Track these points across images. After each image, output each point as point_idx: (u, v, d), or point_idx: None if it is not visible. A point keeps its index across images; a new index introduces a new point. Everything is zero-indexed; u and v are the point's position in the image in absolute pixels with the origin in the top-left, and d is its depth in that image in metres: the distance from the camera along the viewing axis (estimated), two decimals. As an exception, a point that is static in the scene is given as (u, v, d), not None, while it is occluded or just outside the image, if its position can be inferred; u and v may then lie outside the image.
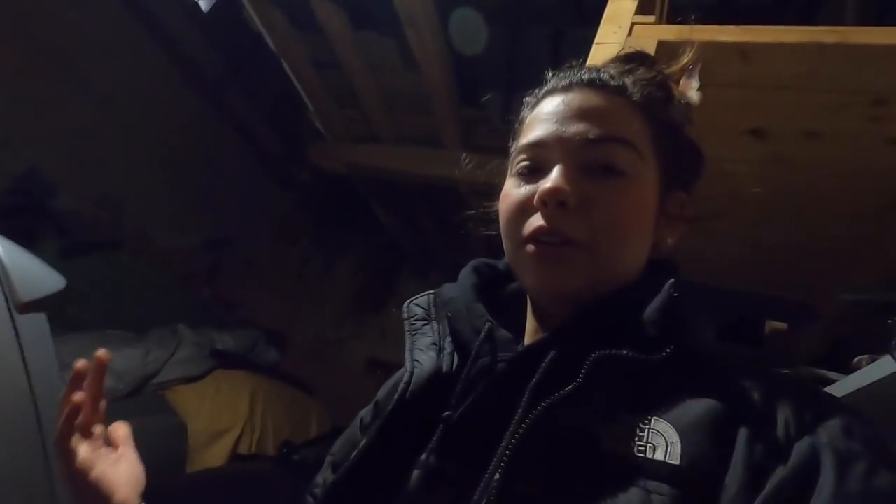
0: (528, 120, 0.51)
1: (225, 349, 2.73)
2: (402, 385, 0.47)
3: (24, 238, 2.57)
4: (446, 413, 0.44)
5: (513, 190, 0.48)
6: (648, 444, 0.37)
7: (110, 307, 2.71)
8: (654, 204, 0.47)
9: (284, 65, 2.63)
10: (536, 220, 0.44)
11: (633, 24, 0.98)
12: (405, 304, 0.55)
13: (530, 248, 0.45)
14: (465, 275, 0.55)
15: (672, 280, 0.45)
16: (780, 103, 0.99)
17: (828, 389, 0.94)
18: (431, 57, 2.23)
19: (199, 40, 3.40)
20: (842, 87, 0.92)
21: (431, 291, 0.56)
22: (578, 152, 0.45)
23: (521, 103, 0.55)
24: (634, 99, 0.48)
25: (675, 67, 0.55)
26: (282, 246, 4.17)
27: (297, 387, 3.20)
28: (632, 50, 0.56)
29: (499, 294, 0.54)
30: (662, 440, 0.37)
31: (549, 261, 0.44)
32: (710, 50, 0.93)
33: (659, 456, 0.36)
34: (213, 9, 3.36)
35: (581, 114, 0.46)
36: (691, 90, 0.54)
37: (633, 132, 0.46)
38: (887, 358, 0.76)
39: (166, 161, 3.39)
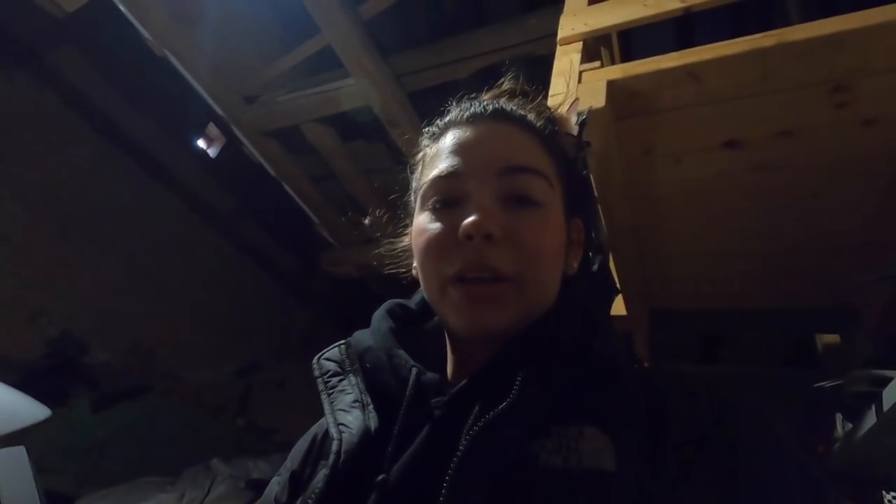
0: (430, 154, 0.50)
1: (262, 478, 2.61)
2: (332, 457, 0.42)
3: (57, 398, 2.62)
4: (381, 477, 0.40)
5: (428, 225, 0.45)
6: (584, 452, 0.37)
7: (143, 454, 2.67)
8: (563, 231, 0.47)
9: (286, 187, 2.81)
10: (463, 256, 0.42)
11: (580, 73, 1.03)
12: (315, 361, 0.51)
13: (458, 288, 0.43)
14: (380, 319, 0.51)
15: (587, 298, 0.47)
16: (744, 112, 1.01)
17: (886, 390, 0.85)
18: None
19: (211, 183, 3.69)
20: (797, 84, 0.94)
21: (342, 342, 0.52)
22: (495, 182, 0.44)
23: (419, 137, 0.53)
24: (538, 130, 0.49)
25: (555, 101, 0.59)
26: (310, 361, 4.14)
27: None
28: (513, 87, 0.55)
29: (414, 334, 0.51)
30: (594, 447, 0.37)
31: (480, 301, 0.42)
32: (658, 78, 0.98)
33: (592, 463, 0.36)
34: (220, 153, 3.70)
35: (493, 144, 0.46)
36: (573, 125, 0.55)
37: (543, 163, 0.47)
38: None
39: (191, 300, 3.51)
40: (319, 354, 0.51)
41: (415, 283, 0.52)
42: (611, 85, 0.98)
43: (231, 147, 3.11)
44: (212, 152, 3.83)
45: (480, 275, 0.42)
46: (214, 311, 3.64)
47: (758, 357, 2.45)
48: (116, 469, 2.50)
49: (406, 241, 0.54)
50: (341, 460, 0.42)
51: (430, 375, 0.45)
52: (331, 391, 0.48)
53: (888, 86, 0.89)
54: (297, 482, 0.48)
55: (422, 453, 0.40)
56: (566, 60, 1.09)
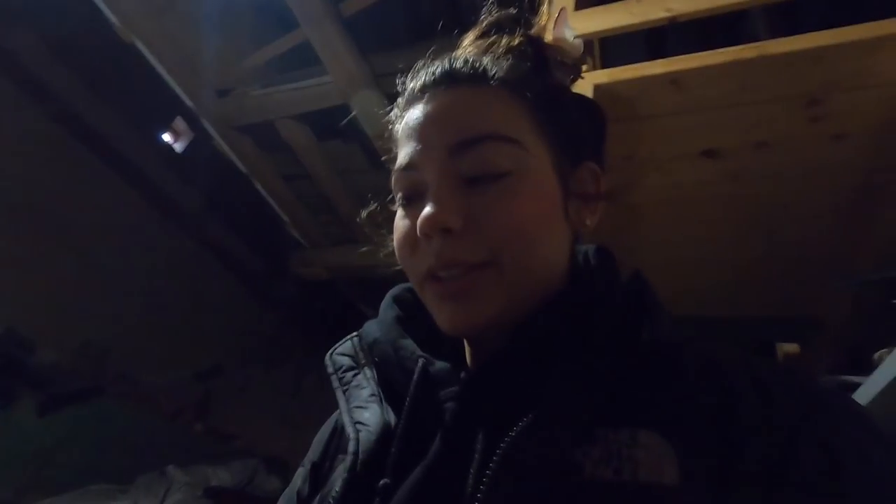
0: (397, 137, 0.45)
1: (220, 485, 2.50)
2: (349, 458, 0.39)
3: (1, 401, 2.44)
4: (382, 482, 0.36)
5: (399, 222, 0.43)
6: (640, 463, 0.31)
7: (93, 460, 2.51)
8: (554, 190, 0.41)
9: (256, 184, 2.73)
10: (428, 256, 0.39)
11: (567, 76, 1.04)
12: (327, 357, 0.48)
13: (432, 285, 0.40)
14: (386, 308, 0.48)
15: (637, 270, 0.41)
16: (722, 121, 1.04)
17: (855, 395, 0.88)
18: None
19: (176, 178, 3.55)
20: (775, 96, 0.97)
21: (354, 334, 0.48)
22: (448, 164, 0.39)
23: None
24: (498, 79, 0.42)
25: (541, 24, 0.48)
26: (274, 366, 4.03)
27: (306, 516, 2.90)
28: (490, 18, 0.48)
29: (426, 320, 0.46)
30: (652, 456, 0.31)
31: (454, 297, 0.38)
32: (643, 85, 1.00)
33: (652, 476, 0.30)
34: (187, 147, 3.57)
35: (441, 120, 0.41)
36: (567, 41, 0.46)
37: (505, 120, 0.40)
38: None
39: (148, 299, 3.36)
40: (332, 349, 0.48)
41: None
42: (597, 89, 1.00)
43: (199, 141, 3.00)
44: (178, 147, 3.70)
45: (450, 272, 0.38)
46: (174, 312, 3.49)
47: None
48: (63, 476, 2.34)
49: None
50: (359, 461, 0.39)
51: (439, 365, 0.41)
52: (346, 387, 0.45)
53: (858, 102, 0.93)
54: (318, 475, 0.46)
55: (435, 459, 0.36)
56: (552, 64, 1.09)
